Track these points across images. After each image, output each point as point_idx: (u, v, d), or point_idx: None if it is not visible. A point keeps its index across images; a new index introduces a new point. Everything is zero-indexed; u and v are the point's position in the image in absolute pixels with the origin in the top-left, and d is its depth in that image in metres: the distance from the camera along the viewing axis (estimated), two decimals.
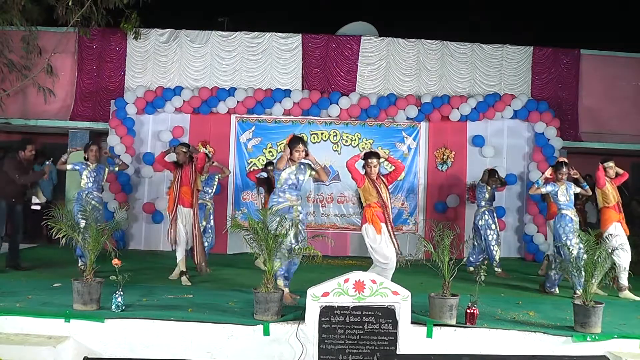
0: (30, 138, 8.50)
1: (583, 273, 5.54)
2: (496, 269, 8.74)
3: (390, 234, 6.43)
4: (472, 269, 8.70)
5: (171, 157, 8.14)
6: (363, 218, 6.55)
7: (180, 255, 7.55)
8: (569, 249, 6.58)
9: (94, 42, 11.28)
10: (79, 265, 7.57)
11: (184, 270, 7.52)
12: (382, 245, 6.36)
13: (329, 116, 10.71)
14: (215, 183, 9.04)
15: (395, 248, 6.44)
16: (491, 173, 9.26)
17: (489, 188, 9.08)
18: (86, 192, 7.82)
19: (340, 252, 10.43)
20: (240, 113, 10.73)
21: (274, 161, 6.61)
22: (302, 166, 6.47)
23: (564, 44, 11.79)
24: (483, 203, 9.07)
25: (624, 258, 7.14)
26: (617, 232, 7.33)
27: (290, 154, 6.31)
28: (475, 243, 9.01)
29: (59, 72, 11.16)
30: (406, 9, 15.23)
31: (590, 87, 11.68)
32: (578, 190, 7.65)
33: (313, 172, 6.48)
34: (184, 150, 7.79)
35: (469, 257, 8.99)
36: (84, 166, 7.91)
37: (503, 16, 14.79)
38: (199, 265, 7.69)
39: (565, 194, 7.40)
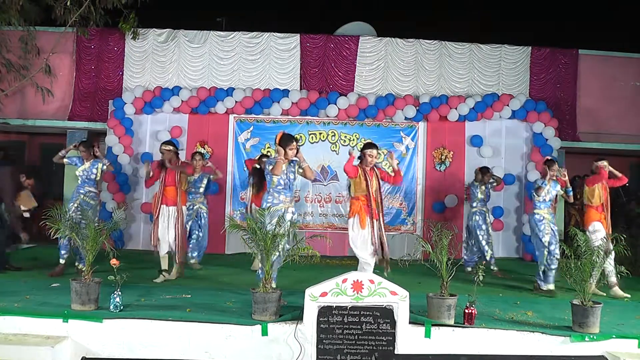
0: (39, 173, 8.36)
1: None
2: (492, 267, 8.83)
3: (375, 227, 6.52)
4: (469, 269, 8.74)
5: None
6: (350, 211, 6.66)
7: (162, 252, 7.61)
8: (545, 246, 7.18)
9: (92, 42, 11.26)
10: (61, 262, 7.66)
11: (165, 268, 7.59)
12: (361, 241, 6.52)
13: (327, 116, 10.70)
14: (204, 184, 8.78)
15: (375, 243, 6.51)
16: (483, 170, 9.27)
17: (483, 188, 9.09)
18: (80, 187, 7.83)
19: (339, 252, 10.39)
20: (238, 113, 10.72)
21: (268, 165, 6.52)
22: (291, 164, 6.48)
23: (562, 44, 11.80)
24: (475, 203, 9.14)
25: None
26: (596, 230, 7.44)
27: (285, 152, 6.32)
28: (470, 243, 9.07)
29: (57, 72, 11.15)
30: (404, 8, 15.24)
31: (588, 87, 11.69)
32: (562, 192, 7.70)
33: (300, 170, 6.49)
34: (167, 148, 7.74)
35: (464, 257, 9.01)
36: (79, 161, 7.92)
37: (501, 16, 14.81)
38: (178, 263, 7.72)
39: (545, 192, 7.50)
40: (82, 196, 7.75)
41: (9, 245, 8.10)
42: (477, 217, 9.01)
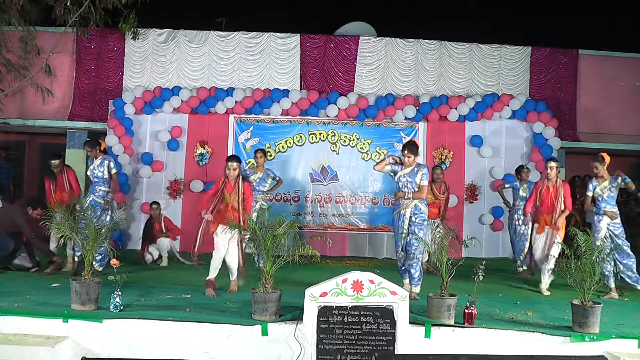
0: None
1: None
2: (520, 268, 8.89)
3: None
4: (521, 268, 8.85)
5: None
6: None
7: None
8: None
9: (92, 42, 11.26)
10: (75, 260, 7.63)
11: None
12: None
13: (327, 116, 10.70)
14: (268, 183, 8.86)
15: None
16: (518, 169, 9.22)
17: (525, 186, 8.95)
18: (93, 190, 7.79)
19: (339, 252, 10.42)
20: (238, 113, 10.72)
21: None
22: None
23: (562, 44, 11.80)
24: (518, 202, 9.03)
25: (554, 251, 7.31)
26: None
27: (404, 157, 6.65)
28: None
29: (57, 72, 11.14)
30: (404, 9, 15.23)
31: (588, 87, 11.69)
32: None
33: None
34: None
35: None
36: (89, 163, 7.89)
37: (501, 16, 14.79)
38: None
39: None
40: (92, 196, 7.71)
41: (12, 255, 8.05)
42: (516, 216, 8.98)
